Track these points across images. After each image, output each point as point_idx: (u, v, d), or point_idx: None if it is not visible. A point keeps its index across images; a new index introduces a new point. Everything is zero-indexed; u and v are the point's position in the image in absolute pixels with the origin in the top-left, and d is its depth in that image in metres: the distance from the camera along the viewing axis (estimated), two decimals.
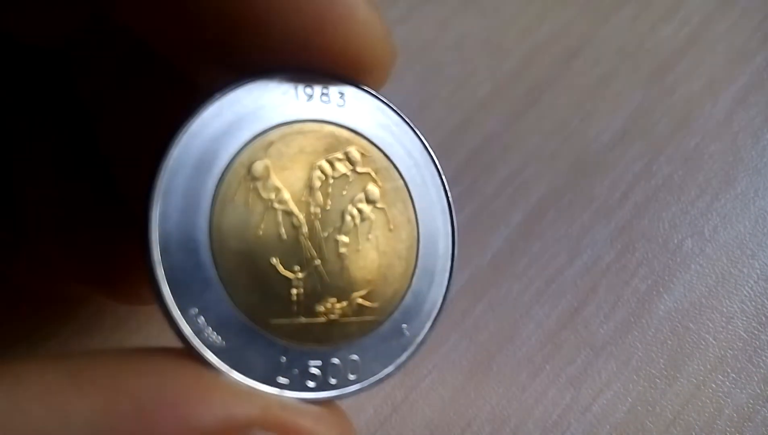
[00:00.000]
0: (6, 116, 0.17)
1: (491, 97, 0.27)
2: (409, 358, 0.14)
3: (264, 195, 0.13)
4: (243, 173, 0.13)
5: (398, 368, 0.14)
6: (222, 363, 0.12)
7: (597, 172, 0.26)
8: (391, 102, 0.15)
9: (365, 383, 0.13)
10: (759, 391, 0.23)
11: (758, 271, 0.25)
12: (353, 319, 0.14)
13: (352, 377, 0.13)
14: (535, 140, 0.26)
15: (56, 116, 0.17)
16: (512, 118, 0.26)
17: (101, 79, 0.17)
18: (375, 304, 0.14)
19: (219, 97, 0.13)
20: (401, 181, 0.14)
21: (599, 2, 0.28)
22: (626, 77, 0.27)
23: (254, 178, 0.13)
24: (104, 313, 0.22)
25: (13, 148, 0.17)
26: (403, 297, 0.14)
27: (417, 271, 0.14)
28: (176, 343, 0.12)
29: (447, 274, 0.15)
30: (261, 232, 0.13)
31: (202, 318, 0.12)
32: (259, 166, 0.13)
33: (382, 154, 0.14)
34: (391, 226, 0.14)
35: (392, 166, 0.14)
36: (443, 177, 0.15)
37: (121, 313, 0.22)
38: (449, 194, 0.15)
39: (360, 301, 0.14)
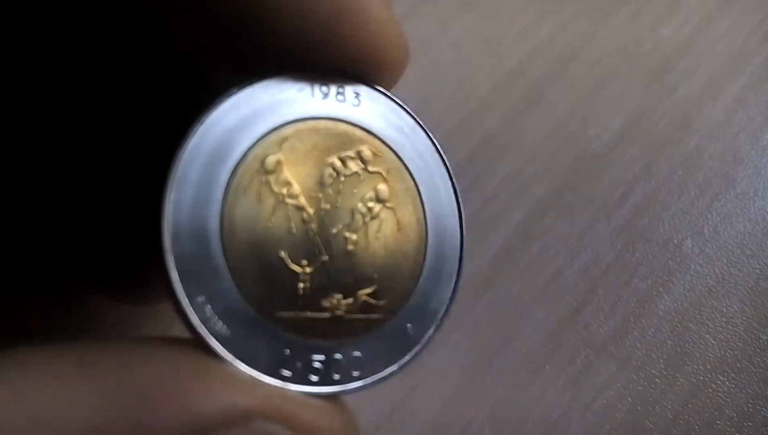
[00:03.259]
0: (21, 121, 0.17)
1: (491, 97, 0.27)
2: (412, 358, 0.14)
3: (276, 189, 0.13)
4: (256, 167, 0.13)
5: (401, 368, 0.14)
6: (226, 352, 0.12)
7: (597, 172, 0.26)
8: (405, 104, 0.15)
9: (368, 380, 0.13)
10: (759, 391, 0.23)
11: (758, 271, 0.25)
12: (358, 316, 0.14)
13: (355, 374, 0.13)
14: (535, 140, 0.26)
15: (68, 122, 0.17)
16: (512, 118, 0.27)
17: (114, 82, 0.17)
18: (381, 303, 0.14)
19: (236, 92, 0.13)
20: (412, 182, 0.14)
21: (599, 2, 0.28)
22: (626, 77, 0.27)
23: (267, 172, 0.13)
24: (106, 313, 0.22)
25: (24, 152, 0.17)
26: (409, 297, 0.14)
27: (424, 271, 0.14)
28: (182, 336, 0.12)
29: (454, 277, 0.15)
30: (271, 225, 0.13)
31: (209, 307, 0.12)
32: (272, 161, 0.13)
33: (394, 155, 0.14)
34: (400, 226, 0.14)
35: (403, 167, 0.14)
36: (454, 179, 0.15)
37: (122, 312, 0.22)
38: (459, 197, 0.15)
39: (366, 298, 0.14)
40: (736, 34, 0.28)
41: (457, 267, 0.15)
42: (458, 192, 0.15)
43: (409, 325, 0.14)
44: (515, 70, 0.27)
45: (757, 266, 0.25)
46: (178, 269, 0.12)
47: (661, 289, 0.24)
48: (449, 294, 0.14)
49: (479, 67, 0.27)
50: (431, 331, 0.14)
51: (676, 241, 0.25)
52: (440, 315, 0.14)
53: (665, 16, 0.28)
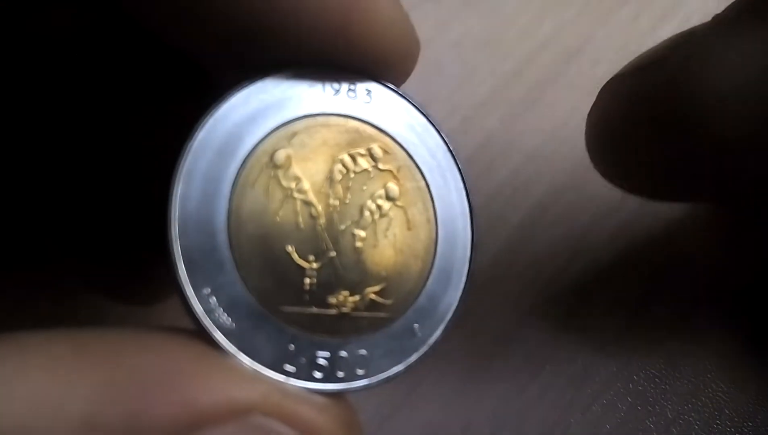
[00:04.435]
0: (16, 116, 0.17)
1: (491, 97, 0.27)
2: (419, 358, 0.14)
3: (284, 183, 0.13)
4: (265, 160, 0.13)
5: (408, 368, 0.14)
6: (230, 344, 0.12)
7: (597, 172, 0.26)
8: (418, 102, 0.15)
9: (373, 379, 0.13)
10: (759, 391, 0.23)
11: (757, 272, 0.25)
12: (365, 314, 0.14)
13: (360, 372, 0.13)
14: (535, 140, 0.26)
15: (67, 117, 0.17)
16: (512, 118, 0.26)
17: (116, 79, 0.17)
18: (388, 301, 0.14)
19: (246, 86, 0.13)
20: (423, 182, 0.14)
21: (599, 2, 0.28)
22: None
23: (276, 166, 0.13)
24: (104, 312, 0.21)
25: (25, 150, 0.17)
26: (417, 297, 0.14)
27: (433, 272, 0.14)
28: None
29: (464, 278, 0.15)
30: (279, 219, 0.13)
31: (214, 298, 0.12)
32: (281, 155, 0.13)
33: (405, 153, 0.14)
34: (410, 225, 0.14)
35: (414, 166, 0.14)
36: (466, 180, 0.15)
37: (122, 312, 0.21)
38: (471, 197, 0.15)
39: (373, 296, 0.14)
40: None
41: (467, 268, 0.15)
42: (470, 192, 0.15)
43: (416, 325, 0.14)
44: (515, 69, 0.27)
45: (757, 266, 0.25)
46: (184, 260, 0.12)
47: (661, 289, 0.24)
48: (459, 295, 0.14)
49: (479, 67, 0.27)
50: (439, 332, 0.14)
51: (676, 241, 0.25)
52: (449, 316, 0.14)
53: (665, 16, 0.28)
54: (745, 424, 0.23)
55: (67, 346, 0.11)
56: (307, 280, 0.13)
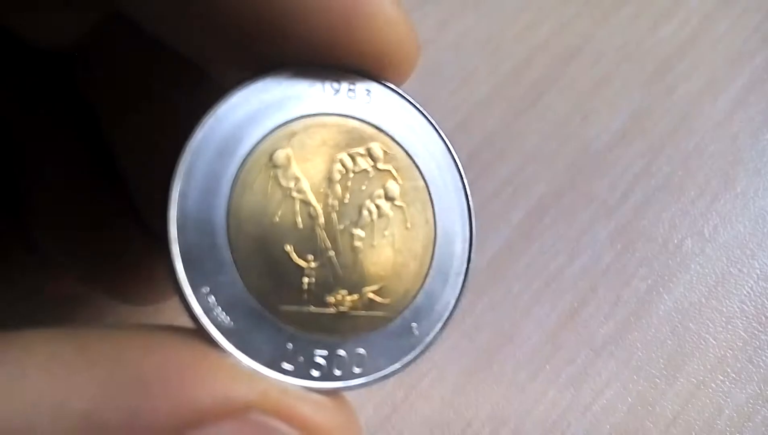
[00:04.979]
0: (14, 117, 0.17)
1: (491, 97, 0.27)
2: (416, 357, 0.14)
3: (283, 183, 0.13)
4: (264, 160, 0.13)
5: (404, 366, 0.14)
6: (228, 343, 0.12)
7: (597, 172, 0.26)
8: (417, 102, 0.15)
9: (370, 378, 0.13)
10: (759, 391, 0.23)
11: (758, 271, 0.25)
12: (363, 313, 0.14)
13: (357, 371, 0.13)
14: (535, 140, 0.26)
15: (64, 118, 0.17)
16: (512, 118, 0.27)
17: (113, 80, 0.17)
18: (386, 301, 0.14)
19: (247, 85, 0.13)
20: (422, 181, 0.14)
21: (599, 2, 0.28)
22: (626, 77, 0.27)
23: (275, 166, 0.13)
24: (104, 313, 0.22)
25: (22, 148, 0.17)
26: (415, 296, 0.14)
27: (431, 271, 0.14)
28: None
29: (461, 277, 0.14)
30: (277, 219, 0.13)
31: (213, 297, 0.12)
32: (280, 155, 0.13)
33: (404, 153, 0.14)
34: (409, 225, 0.14)
35: (414, 166, 0.14)
36: (465, 180, 0.15)
37: (121, 313, 0.22)
38: (470, 197, 0.15)
39: (371, 295, 0.14)
40: (736, 34, 0.28)
41: (465, 268, 0.14)
42: (469, 192, 0.15)
43: (414, 324, 0.14)
44: (515, 70, 0.27)
45: (757, 266, 0.25)
46: (182, 259, 0.12)
47: (661, 289, 0.24)
48: (456, 295, 0.14)
49: (479, 67, 0.27)
50: (436, 331, 0.14)
51: (676, 241, 0.25)
52: (446, 315, 0.14)
53: (665, 16, 0.28)
54: (745, 424, 0.23)
55: (69, 345, 0.11)
56: (306, 280, 0.13)
